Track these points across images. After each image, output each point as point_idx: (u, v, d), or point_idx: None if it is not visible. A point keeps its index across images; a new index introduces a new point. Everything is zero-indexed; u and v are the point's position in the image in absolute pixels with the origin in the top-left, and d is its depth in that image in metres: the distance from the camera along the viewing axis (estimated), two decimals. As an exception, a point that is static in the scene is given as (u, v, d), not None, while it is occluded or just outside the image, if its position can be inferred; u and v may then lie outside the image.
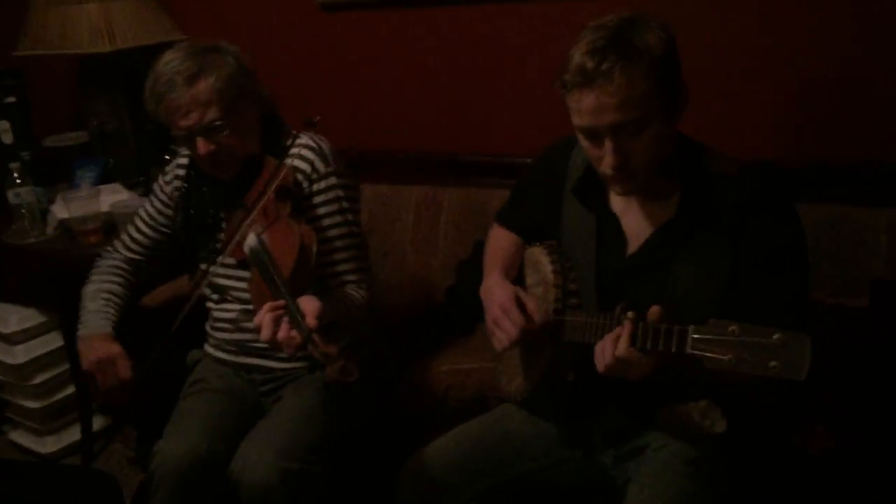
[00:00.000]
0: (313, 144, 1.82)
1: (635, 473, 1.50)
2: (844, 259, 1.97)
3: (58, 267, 2.46)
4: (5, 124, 2.81)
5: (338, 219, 1.81)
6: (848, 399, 1.70)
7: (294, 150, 1.81)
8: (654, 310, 1.27)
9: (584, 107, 1.34)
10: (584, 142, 1.41)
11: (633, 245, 1.50)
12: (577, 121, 1.38)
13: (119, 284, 1.93)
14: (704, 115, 2.08)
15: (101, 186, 2.61)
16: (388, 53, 2.58)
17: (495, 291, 1.59)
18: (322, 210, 1.80)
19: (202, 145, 1.71)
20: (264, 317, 1.47)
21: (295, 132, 1.82)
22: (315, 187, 1.79)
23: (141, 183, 2.72)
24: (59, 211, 2.47)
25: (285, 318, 1.47)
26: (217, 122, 1.69)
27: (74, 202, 2.40)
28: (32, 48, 2.62)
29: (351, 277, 1.82)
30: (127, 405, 1.82)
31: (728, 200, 1.41)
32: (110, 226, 2.46)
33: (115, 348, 1.77)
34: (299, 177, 1.78)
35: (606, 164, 1.37)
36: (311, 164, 1.79)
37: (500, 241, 1.75)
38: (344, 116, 2.69)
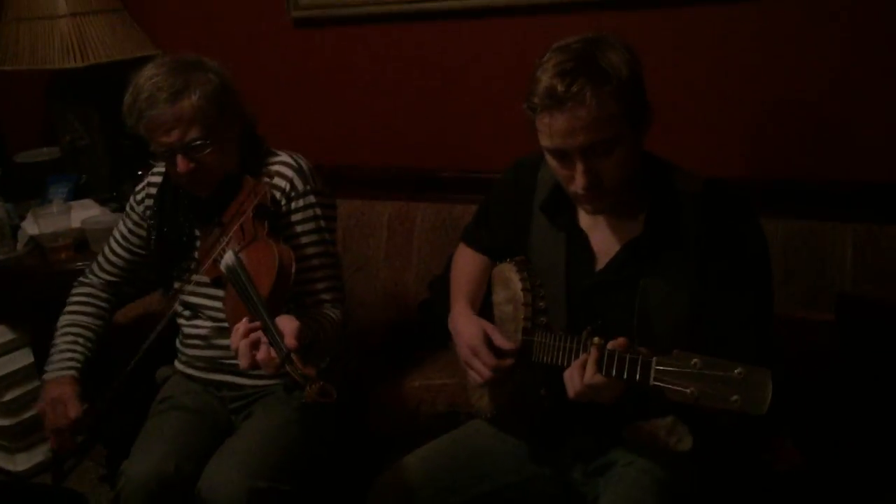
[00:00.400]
0: (292, 162, 1.82)
1: (604, 489, 1.51)
2: (811, 274, 1.99)
3: (29, 284, 2.45)
4: (-24, 140, 2.80)
5: (314, 237, 1.80)
6: (815, 414, 1.72)
7: (273, 168, 1.80)
8: (620, 341, 1.29)
9: (556, 129, 1.34)
10: (553, 162, 1.41)
11: (602, 261, 1.51)
12: (546, 142, 1.38)
13: (90, 315, 1.92)
14: (671, 133, 2.11)
15: (73, 202, 2.60)
16: (361, 69, 2.59)
17: (461, 328, 1.61)
18: (299, 228, 1.79)
19: (182, 163, 1.69)
20: (240, 343, 1.45)
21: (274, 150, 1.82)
22: (293, 205, 1.78)
23: (113, 198, 2.71)
24: (30, 227, 2.46)
25: (264, 339, 1.45)
26: (198, 141, 1.67)
27: (45, 218, 2.39)
28: (2, 64, 2.61)
29: (326, 297, 1.81)
30: (71, 448, 1.80)
31: (693, 217, 1.42)
32: (81, 242, 2.45)
33: (68, 390, 1.77)
34: (277, 194, 1.77)
35: (578, 185, 1.38)
36: (290, 181, 1.79)
37: (465, 264, 1.76)
38: (317, 132, 2.69)
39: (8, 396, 2.61)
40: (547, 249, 1.57)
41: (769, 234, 1.96)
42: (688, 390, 1.16)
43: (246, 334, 1.45)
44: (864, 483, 1.62)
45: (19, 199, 2.71)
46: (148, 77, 1.66)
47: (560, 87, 1.30)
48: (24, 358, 2.63)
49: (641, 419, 1.49)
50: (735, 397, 1.12)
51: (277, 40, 2.68)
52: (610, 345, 1.29)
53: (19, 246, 2.51)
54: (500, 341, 1.54)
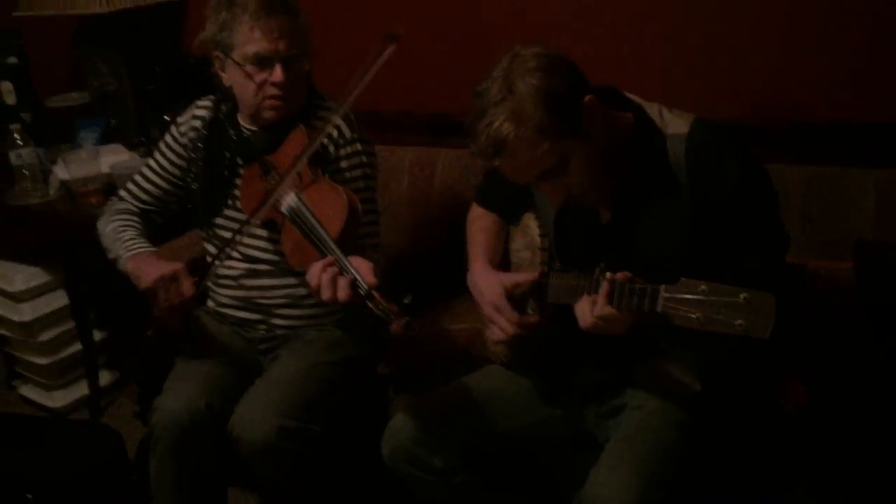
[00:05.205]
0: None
1: (615, 430, 1.55)
2: (832, 221, 1.98)
3: (61, 227, 2.50)
4: (7, 85, 2.83)
5: (360, 184, 1.85)
6: (831, 362, 1.73)
7: (322, 114, 1.83)
8: (623, 274, 1.32)
9: (505, 173, 1.40)
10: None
11: (603, 214, 1.53)
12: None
13: (137, 223, 1.93)
14: (685, 76, 2.09)
15: (102, 147, 2.63)
16: (382, 12, 2.58)
17: (481, 285, 1.63)
18: (346, 175, 1.83)
19: (280, 72, 1.71)
20: (321, 277, 1.47)
21: (324, 95, 1.87)
22: (342, 152, 1.83)
23: (142, 143, 2.74)
24: (61, 172, 2.50)
25: (340, 277, 1.46)
26: (302, 55, 1.74)
27: (75, 163, 2.42)
28: (30, 9, 2.63)
29: (369, 241, 1.86)
30: (181, 327, 1.75)
31: (679, 158, 1.42)
32: (111, 186, 2.49)
33: (178, 264, 1.72)
34: (326, 141, 1.81)
35: (556, 204, 1.47)
36: (339, 128, 1.83)
37: (480, 221, 1.78)
38: (336, 77, 2.68)
39: (44, 337, 2.70)
40: (544, 205, 1.60)
41: (788, 180, 1.96)
42: (693, 315, 1.20)
43: (324, 269, 1.48)
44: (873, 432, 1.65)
45: (50, 144, 2.75)
46: None
47: (489, 150, 1.35)
48: (58, 300, 2.70)
49: (652, 358, 1.53)
50: (739, 321, 1.15)
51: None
52: (615, 276, 1.32)
53: (51, 190, 2.55)
54: (520, 278, 1.59)
